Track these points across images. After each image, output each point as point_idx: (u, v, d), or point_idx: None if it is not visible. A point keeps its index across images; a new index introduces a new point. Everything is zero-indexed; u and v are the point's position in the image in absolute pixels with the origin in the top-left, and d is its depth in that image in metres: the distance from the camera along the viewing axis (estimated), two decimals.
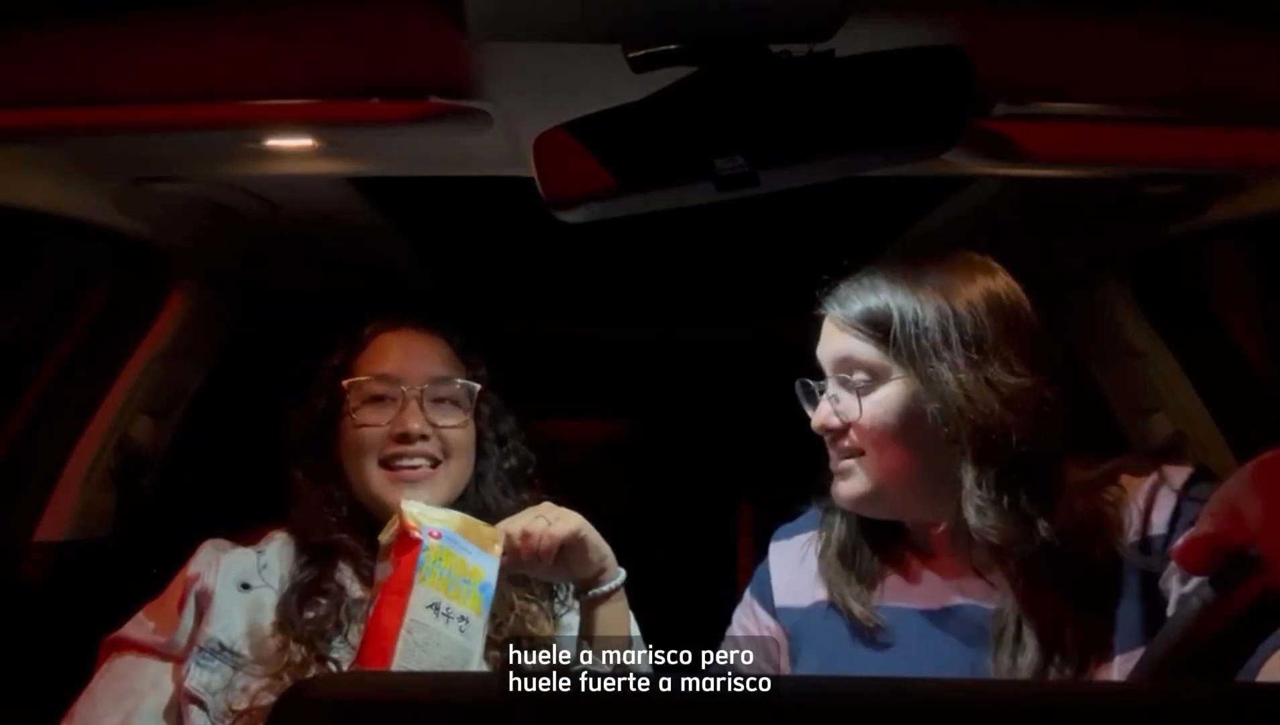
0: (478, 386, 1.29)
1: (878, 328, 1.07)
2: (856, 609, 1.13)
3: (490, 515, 1.25)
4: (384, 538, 1.12)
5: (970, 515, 1.03)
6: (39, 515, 1.55)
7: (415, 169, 1.25)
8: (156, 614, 1.21)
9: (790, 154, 0.88)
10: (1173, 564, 0.99)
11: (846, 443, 1.10)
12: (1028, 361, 1.05)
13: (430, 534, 1.08)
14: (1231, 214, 1.36)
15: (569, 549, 1.15)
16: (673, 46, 0.84)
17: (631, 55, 0.84)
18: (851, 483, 1.11)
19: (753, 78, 0.86)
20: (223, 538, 1.28)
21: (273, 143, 1.11)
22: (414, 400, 1.23)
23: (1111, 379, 1.76)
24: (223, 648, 1.16)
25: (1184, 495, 1.04)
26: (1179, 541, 0.67)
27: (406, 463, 1.23)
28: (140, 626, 1.20)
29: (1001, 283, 1.09)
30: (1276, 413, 1.55)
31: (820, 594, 1.18)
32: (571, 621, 1.28)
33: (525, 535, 1.12)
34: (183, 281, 1.63)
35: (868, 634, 1.12)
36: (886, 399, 1.07)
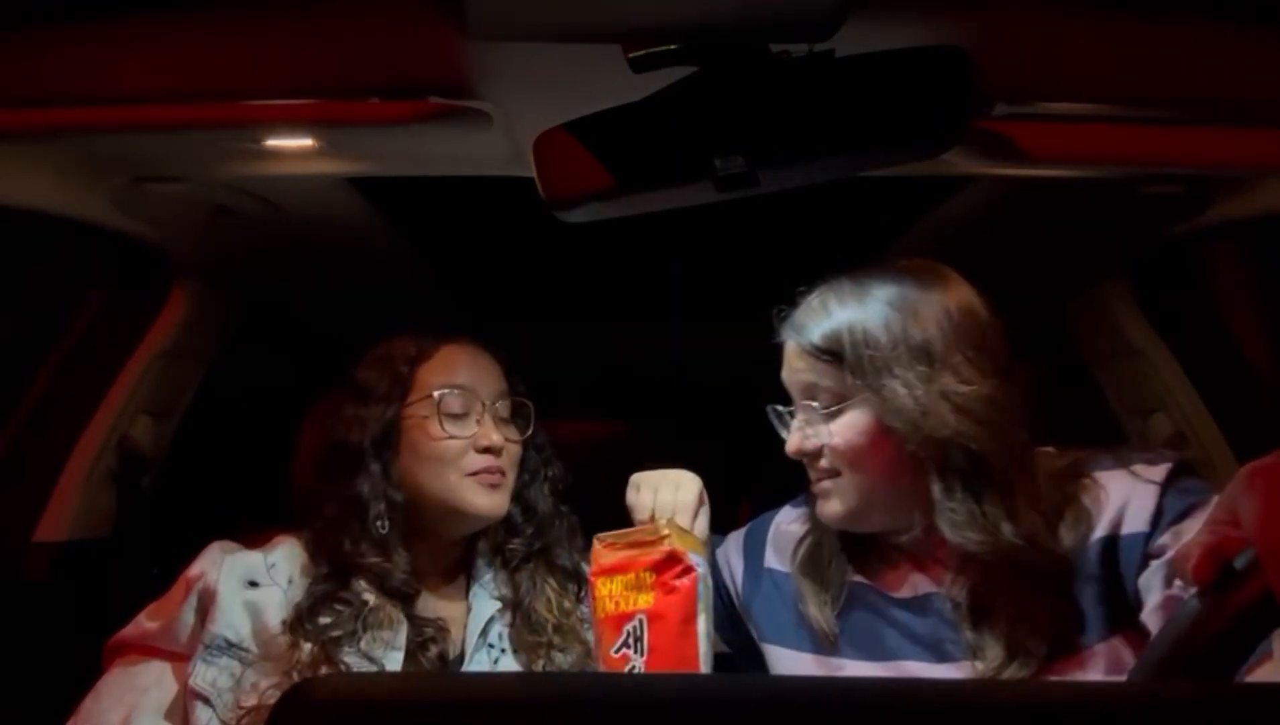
0: (532, 406, 1.32)
1: (833, 352, 1.08)
2: (820, 621, 1.15)
3: (535, 515, 1.31)
4: (611, 558, 1.10)
5: (944, 527, 1.05)
6: (39, 515, 1.55)
7: (415, 169, 1.25)
8: (158, 614, 1.21)
9: (790, 154, 0.88)
10: (1155, 563, 0.99)
11: (822, 464, 1.12)
12: (979, 366, 1.05)
13: (695, 564, 1.09)
14: (1231, 214, 1.37)
15: None
16: (673, 46, 0.83)
17: (631, 55, 0.84)
18: (832, 503, 1.13)
19: (753, 78, 0.86)
20: (229, 541, 1.26)
21: (273, 143, 1.11)
22: (489, 414, 1.26)
23: (1111, 379, 1.76)
24: (230, 644, 1.16)
25: (1165, 490, 1.03)
26: (1191, 559, 0.66)
27: (487, 473, 1.24)
28: (141, 627, 1.21)
29: (949, 289, 1.09)
30: (1276, 413, 1.55)
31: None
32: (584, 613, 1.29)
33: None
34: (183, 281, 1.63)
35: (829, 641, 1.15)
36: (852, 421, 1.08)
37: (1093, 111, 1.01)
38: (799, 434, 1.13)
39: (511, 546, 1.30)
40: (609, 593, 1.08)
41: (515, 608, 1.27)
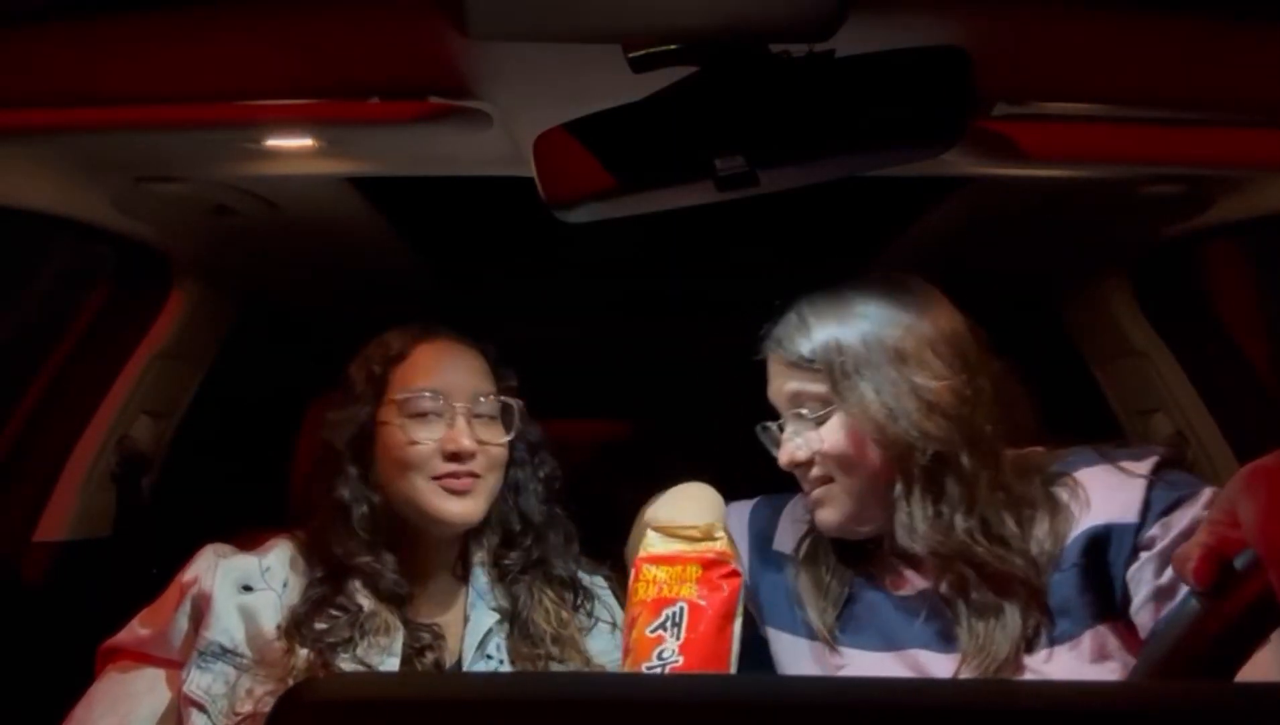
0: (520, 403, 1.28)
1: (813, 360, 1.12)
2: (818, 617, 1.16)
3: (529, 525, 1.29)
4: (663, 548, 1.11)
5: (897, 530, 1.09)
6: (39, 515, 1.55)
7: (415, 169, 1.25)
8: (151, 619, 1.20)
9: (790, 154, 0.88)
10: (1144, 556, 1.01)
11: (814, 473, 1.15)
12: (948, 362, 1.10)
13: (741, 570, 1.11)
14: (1231, 214, 1.37)
15: None
16: (673, 46, 0.83)
17: (631, 55, 0.84)
18: (829, 510, 1.15)
19: (753, 78, 0.86)
20: (223, 544, 1.26)
21: (273, 143, 1.11)
22: (462, 417, 1.22)
23: (1111, 379, 1.76)
24: (224, 650, 1.15)
25: (1153, 483, 1.04)
26: (1192, 560, 0.66)
27: (453, 477, 1.21)
28: (135, 633, 1.20)
29: (919, 293, 1.15)
30: (1276, 413, 1.55)
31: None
32: (582, 621, 1.30)
33: None
34: (183, 281, 1.63)
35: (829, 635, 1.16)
36: (839, 425, 1.11)
37: (1093, 111, 1.01)
38: (790, 445, 1.16)
39: (508, 560, 1.29)
40: (653, 578, 1.10)
41: (513, 619, 1.26)
